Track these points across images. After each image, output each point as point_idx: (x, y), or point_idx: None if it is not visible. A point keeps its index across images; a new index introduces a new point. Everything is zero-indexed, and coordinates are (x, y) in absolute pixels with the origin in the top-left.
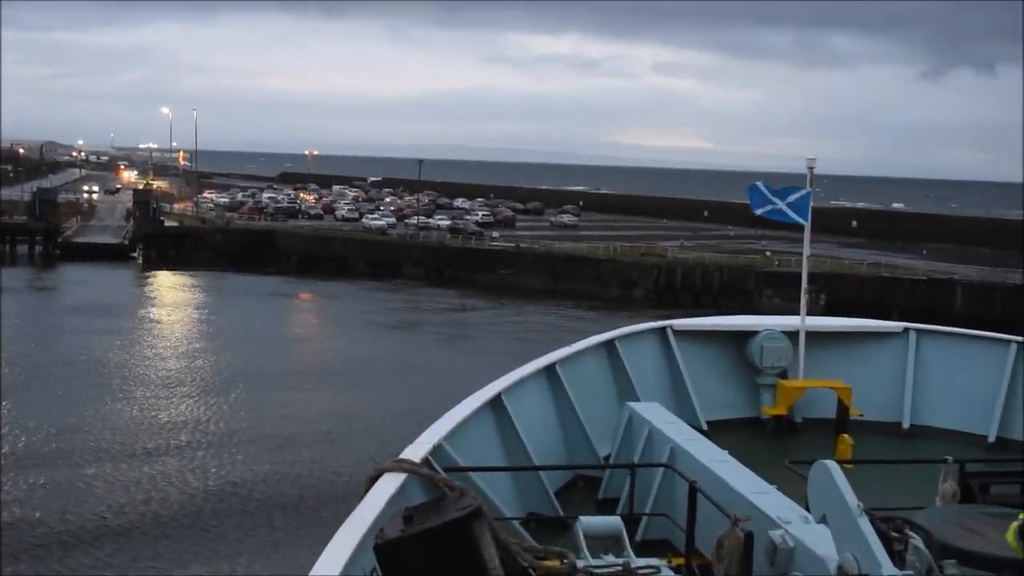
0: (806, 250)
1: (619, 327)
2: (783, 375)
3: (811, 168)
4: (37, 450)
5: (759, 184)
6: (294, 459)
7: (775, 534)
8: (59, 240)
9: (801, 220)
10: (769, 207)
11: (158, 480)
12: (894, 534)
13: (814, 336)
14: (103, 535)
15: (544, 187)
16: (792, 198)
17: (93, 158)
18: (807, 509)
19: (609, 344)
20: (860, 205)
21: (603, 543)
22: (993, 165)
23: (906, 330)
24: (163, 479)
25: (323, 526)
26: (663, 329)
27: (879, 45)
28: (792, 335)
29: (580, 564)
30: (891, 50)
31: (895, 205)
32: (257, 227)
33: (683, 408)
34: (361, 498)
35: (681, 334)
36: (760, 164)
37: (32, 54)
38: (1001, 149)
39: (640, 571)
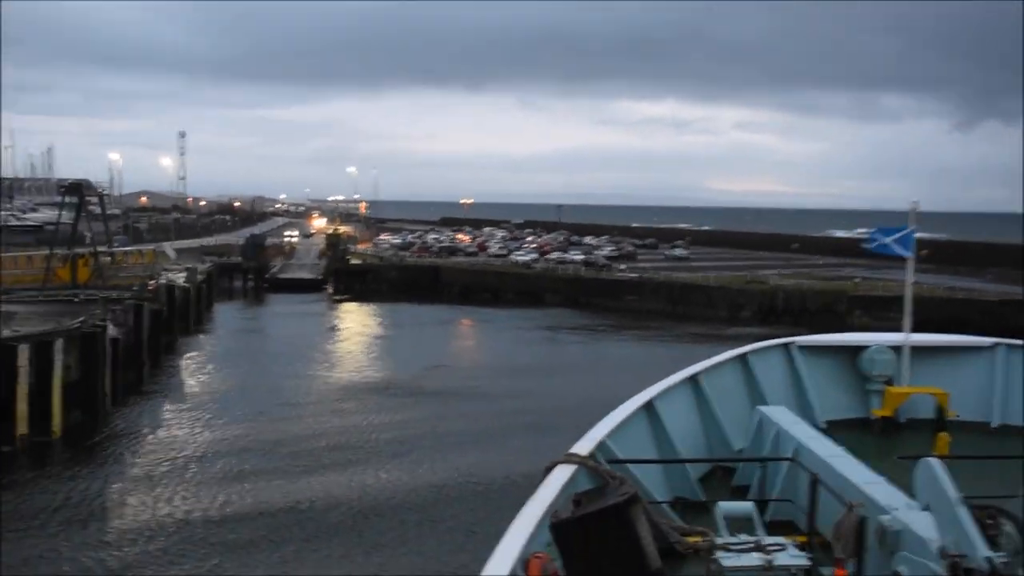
0: (909, 277)
1: (730, 344)
2: (890, 382)
3: (913, 209)
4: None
5: (875, 232)
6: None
7: (885, 519)
8: (267, 276)
9: (907, 253)
10: (878, 243)
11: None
12: (988, 520)
13: (916, 350)
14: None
15: (656, 225)
16: (898, 235)
17: (292, 208)
18: (913, 498)
19: (742, 357)
20: (927, 235)
21: (738, 523)
22: (1017, 200)
23: (996, 344)
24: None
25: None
26: (787, 345)
27: (920, 103)
28: (897, 349)
29: (718, 541)
30: (931, 106)
31: (939, 235)
32: (425, 263)
33: (804, 411)
34: (539, 485)
35: (802, 348)
36: (828, 202)
37: (240, 128)
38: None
39: (769, 547)
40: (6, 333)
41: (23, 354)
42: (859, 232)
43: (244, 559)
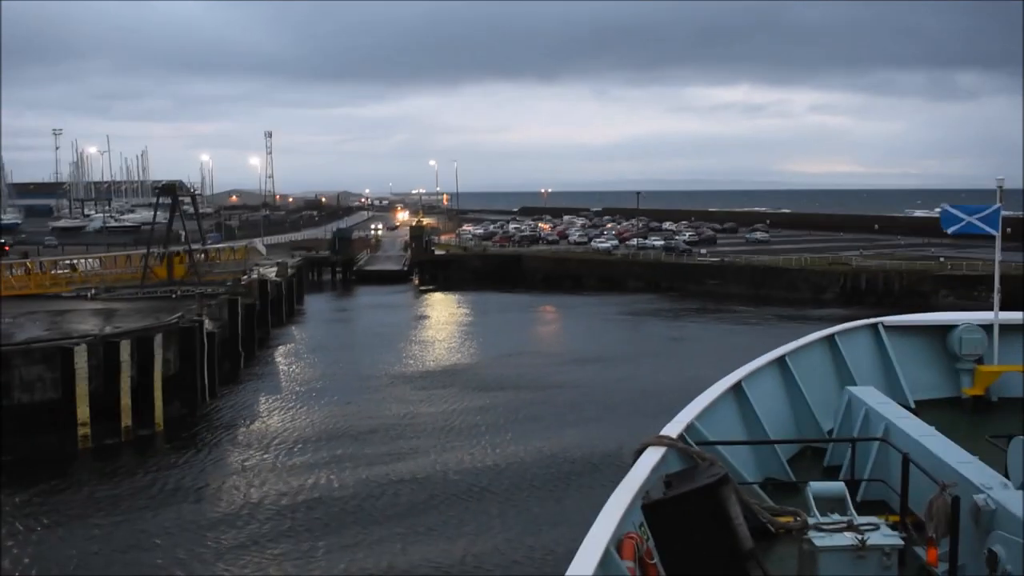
0: (998, 256)
1: (815, 326)
2: (980, 361)
3: (1000, 186)
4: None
5: (947, 207)
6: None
7: (979, 498)
8: (354, 269)
9: (993, 231)
10: (960, 224)
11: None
12: None
13: (1006, 328)
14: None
15: (735, 209)
16: (983, 213)
17: (376, 202)
18: (1007, 477)
19: (830, 338)
20: (1009, 214)
21: (829, 504)
22: None
23: None
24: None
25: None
26: (875, 325)
27: (997, 79)
28: (987, 327)
29: (810, 521)
30: (1007, 83)
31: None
32: (507, 252)
33: (894, 390)
34: (630, 467)
35: (890, 328)
36: (907, 183)
37: (322, 126)
38: None
39: (862, 527)
40: (108, 329)
41: (125, 349)
42: (939, 210)
43: (333, 539)
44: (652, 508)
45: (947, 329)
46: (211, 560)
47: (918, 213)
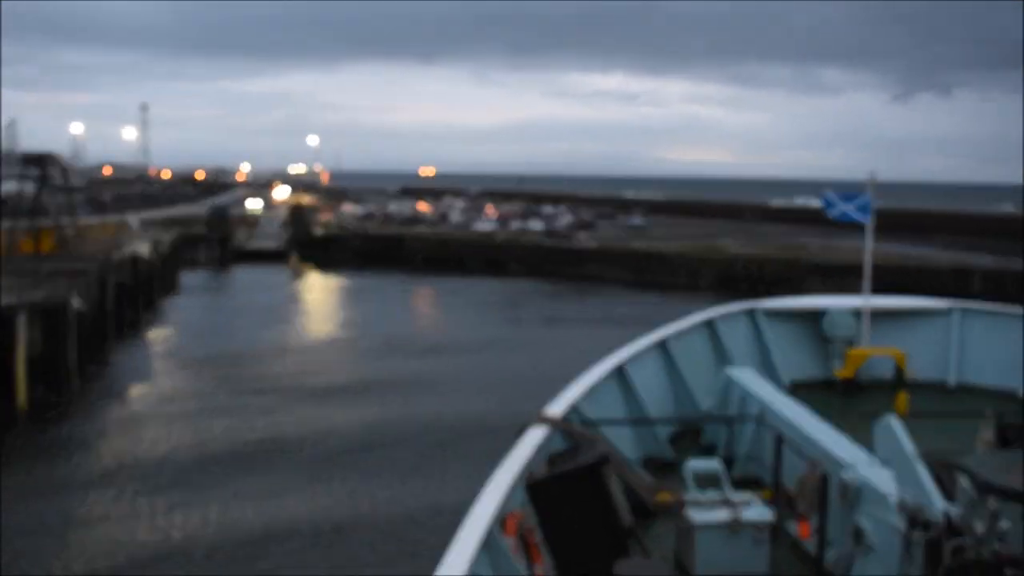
0: (868, 244)
1: (691, 310)
2: (850, 344)
3: (873, 178)
4: None
5: (829, 194)
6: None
7: (846, 475)
8: (231, 246)
9: (865, 220)
10: (838, 210)
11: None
12: (945, 475)
13: (875, 313)
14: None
15: (613, 195)
16: (857, 203)
17: (255, 179)
18: (873, 455)
19: (709, 322)
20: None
21: (706, 481)
22: (952, 170)
23: (951, 308)
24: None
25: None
26: (752, 310)
27: (859, 75)
28: (857, 312)
29: (688, 498)
30: (869, 79)
31: (883, 204)
32: (388, 233)
33: (769, 372)
34: (513, 446)
35: (766, 313)
36: (774, 172)
37: (201, 100)
38: (960, 156)
39: (736, 503)
40: None
41: None
42: (799, 201)
43: (184, 513)
44: (535, 487)
45: (820, 314)
46: (52, 546)
47: (776, 202)
